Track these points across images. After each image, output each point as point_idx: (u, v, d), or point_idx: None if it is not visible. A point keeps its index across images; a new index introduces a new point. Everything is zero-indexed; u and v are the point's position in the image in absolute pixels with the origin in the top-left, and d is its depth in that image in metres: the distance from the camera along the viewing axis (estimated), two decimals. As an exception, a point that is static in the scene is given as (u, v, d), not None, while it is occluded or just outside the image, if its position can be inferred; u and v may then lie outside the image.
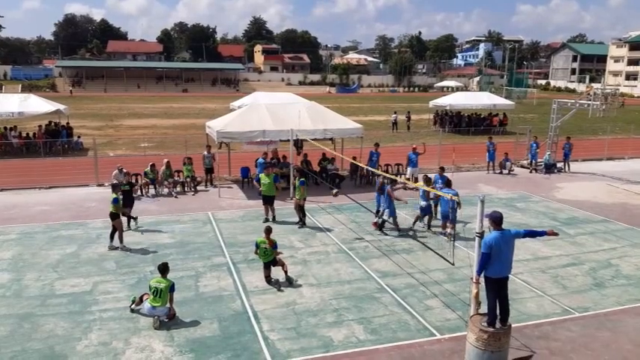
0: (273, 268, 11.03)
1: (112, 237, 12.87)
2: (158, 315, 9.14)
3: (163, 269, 9.48)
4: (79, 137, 29.56)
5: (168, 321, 9.20)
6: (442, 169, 16.33)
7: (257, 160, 19.03)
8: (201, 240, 13.68)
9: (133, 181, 18.48)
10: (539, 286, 10.96)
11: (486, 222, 7.90)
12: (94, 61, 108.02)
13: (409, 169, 20.07)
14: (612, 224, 15.55)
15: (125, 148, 29.35)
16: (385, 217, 14.25)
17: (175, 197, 18.24)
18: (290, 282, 10.91)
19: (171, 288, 9.32)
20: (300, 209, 14.93)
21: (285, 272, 10.97)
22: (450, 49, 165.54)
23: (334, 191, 17.25)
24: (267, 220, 15.12)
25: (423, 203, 14.33)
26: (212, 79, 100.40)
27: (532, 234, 8.20)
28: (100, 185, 19.38)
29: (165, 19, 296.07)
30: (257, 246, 10.98)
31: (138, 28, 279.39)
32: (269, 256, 10.88)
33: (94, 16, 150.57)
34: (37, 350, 8.33)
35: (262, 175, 15.44)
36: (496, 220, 7.81)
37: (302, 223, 14.88)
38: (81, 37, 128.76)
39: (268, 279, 10.94)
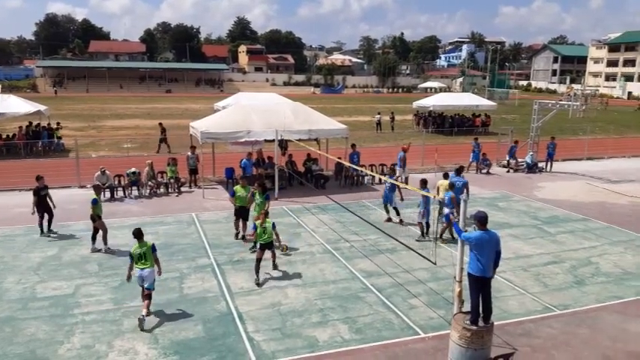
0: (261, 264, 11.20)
1: (93, 239, 12.74)
2: (147, 278, 9.41)
3: (138, 234, 9.68)
4: (59, 138, 29.15)
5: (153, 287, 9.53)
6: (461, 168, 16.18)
7: (241, 160, 18.98)
8: (185, 241, 13.61)
9: (115, 182, 18.39)
10: (521, 284, 11.12)
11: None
12: (75, 61, 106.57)
13: (398, 169, 20.17)
14: (592, 223, 15.83)
15: (108, 149, 29.04)
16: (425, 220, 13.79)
17: (155, 193, 18.29)
18: (275, 267, 11.60)
19: (153, 248, 9.65)
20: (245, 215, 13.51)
21: (274, 261, 11.61)
22: (433, 51, 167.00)
23: None
24: (237, 235, 13.76)
25: (447, 210, 13.46)
26: (196, 80, 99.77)
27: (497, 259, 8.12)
28: (82, 187, 19.15)
29: (148, 19, 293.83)
30: (255, 227, 11.39)
31: (121, 28, 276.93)
32: (268, 237, 11.19)
33: (76, 16, 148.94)
34: (19, 354, 8.22)
35: (237, 188, 13.78)
36: (481, 219, 7.93)
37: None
38: (62, 36, 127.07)
39: (259, 263, 11.05)
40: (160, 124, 28.88)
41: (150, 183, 18.53)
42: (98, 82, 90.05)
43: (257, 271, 11.03)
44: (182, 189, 19.17)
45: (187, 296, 10.39)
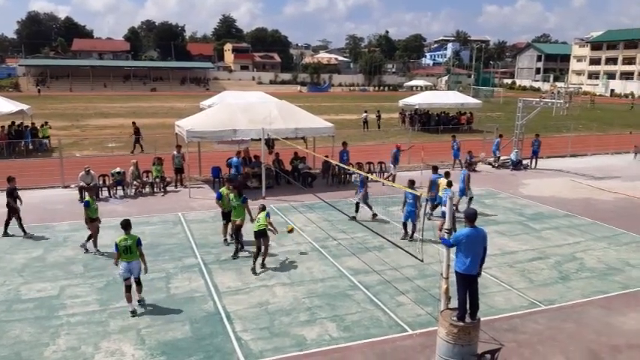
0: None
1: (89, 238, 12.59)
2: (134, 269, 9.56)
3: (126, 225, 9.78)
4: (47, 138, 28.75)
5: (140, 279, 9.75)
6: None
7: (229, 159, 18.90)
8: (171, 241, 13.51)
9: (100, 182, 18.19)
10: (507, 281, 11.23)
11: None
12: (58, 59, 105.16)
13: (391, 166, 20.35)
14: (576, 219, 16.04)
15: (92, 148, 28.71)
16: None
17: (140, 192, 18.28)
18: (263, 266, 11.70)
19: (138, 242, 9.67)
20: (237, 231, 12.65)
21: (265, 256, 11.75)
22: (418, 49, 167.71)
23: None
24: (226, 241, 13.37)
25: (444, 208, 13.82)
26: (181, 78, 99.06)
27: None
28: (66, 187, 18.92)
29: (133, 17, 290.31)
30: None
31: (104, 26, 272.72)
32: (260, 225, 11.46)
33: (59, 14, 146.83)
34: (4, 357, 8.10)
35: (224, 190, 13.24)
36: (470, 217, 8.00)
37: (237, 250, 12.53)
38: (45, 35, 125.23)
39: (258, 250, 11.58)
40: (134, 123, 28.55)
41: (135, 182, 18.37)
42: (82, 80, 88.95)
43: (255, 259, 11.55)
44: (168, 188, 19.03)
45: (174, 296, 10.32)
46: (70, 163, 21.06)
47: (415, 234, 13.55)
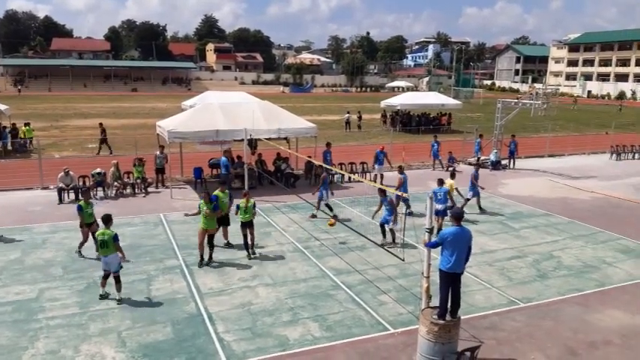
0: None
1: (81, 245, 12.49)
2: (111, 264, 9.88)
3: (107, 219, 10.06)
4: (30, 139, 28.25)
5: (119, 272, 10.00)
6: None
7: (211, 160, 18.83)
8: (152, 242, 13.42)
9: (80, 183, 17.97)
10: (486, 279, 11.40)
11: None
12: (37, 59, 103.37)
13: (377, 167, 20.48)
14: (554, 218, 16.34)
15: (72, 149, 28.33)
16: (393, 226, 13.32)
17: (121, 193, 18.19)
18: (254, 253, 12.44)
19: (115, 238, 9.90)
20: (210, 241, 11.95)
21: (252, 242, 12.46)
22: (400, 50, 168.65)
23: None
24: (228, 244, 13.15)
25: (441, 206, 13.77)
26: (163, 78, 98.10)
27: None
28: (44, 188, 18.64)
29: (114, 16, 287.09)
30: (237, 207, 12.35)
31: (85, 26, 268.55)
32: (249, 216, 12.16)
33: (38, 13, 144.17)
34: (-20, 361, 7.98)
35: (218, 193, 12.64)
36: (456, 216, 8.13)
37: (206, 260, 11.94)
38: (23, 34, 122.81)
39: (245, 238, 12.40)
40: (101, 124, 28.11)
41: (116, 184, 18.18)
42: (61, 80, 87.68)
43: (247, 247, 12.38)
44: (149, 189, 18.87)
45: (155, 298, 10.25)
46: (49, 164, 20.76)
47: (395, 237, 13.42)
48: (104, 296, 10.07)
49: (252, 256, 12.34)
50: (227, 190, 13.15)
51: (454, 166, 23.82)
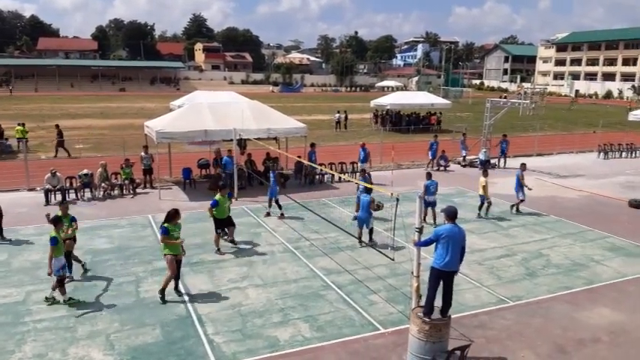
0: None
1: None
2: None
3: (54, 221, 10.11)
4: (6, 139, 27.90)
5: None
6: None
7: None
8: (141, 244, 13.30)
9: (67, 184, 17.79)
10: (476, 278, 11.44)
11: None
12: (23, 59, 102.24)
13: (360, 164, 20.59)
14: (542, 216, 16.45)
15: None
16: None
17: (108, 195, 18.05)
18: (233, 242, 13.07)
19: (51, 240, 9.62)
20: (178, 269, 10.36)
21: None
22: (389, 50, 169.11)
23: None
24: (219, 250, 12.81)
25: (432, 198, 14.86)
26: (151, 78, 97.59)
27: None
28: (31, 190, 18.42)
29: (101, 15, 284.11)
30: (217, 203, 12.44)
31: (72, 25, 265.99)
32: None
33: (24, 12, 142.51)
34: (-36, 366, 7.85)
35: (220, 198, 12.56)
36: (450, 214, 8.13)
37: (163, 298, 10.07)
38: (9, 33, 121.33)
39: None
40: (57, 125, 27.85)
41: (103, 185, 18.02)
42: (48, 80, 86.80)
43: (229, 238, 13.18)
44: (137, 190, 18.72)
45: (144, 300, 10.16)
46: (36, 165, 20.53)
47: (372, 236, 13.47)
48: (50, 300, 9.88)
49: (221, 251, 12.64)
50: (227, 195, 13.08)
51: (447, 165, 23.96)
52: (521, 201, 16.58)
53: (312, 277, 11.35)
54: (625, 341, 8.93)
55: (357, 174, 20.27)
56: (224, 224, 12.90)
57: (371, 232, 13.45)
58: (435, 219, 14.77)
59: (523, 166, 16.98)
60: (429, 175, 15.47)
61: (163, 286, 10.08)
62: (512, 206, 16.74)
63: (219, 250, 12.75)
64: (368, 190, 13.05)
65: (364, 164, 20.89)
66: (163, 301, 9.98)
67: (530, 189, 16.75)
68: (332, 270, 11.73)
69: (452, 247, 7.92)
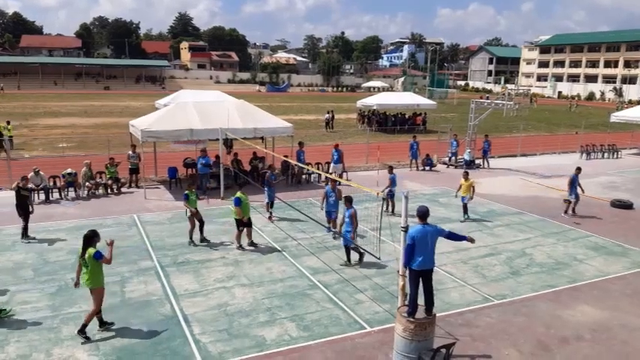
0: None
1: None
2: None
3: None
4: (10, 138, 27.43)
5: None
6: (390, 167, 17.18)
7: (187, 159, 18.64)
8: (126, 244, 13.19)
9: (50, 183, 17.57)
10: (461, 277, 11.55)
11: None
12: (5, 56, 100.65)
13: (332, 166, 20.37)
14: (526, 216, 16.65)
15: (42, 148, 27.68)
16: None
17: (93, 194, 17.89)
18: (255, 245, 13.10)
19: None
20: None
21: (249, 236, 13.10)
22: (375, 50, 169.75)
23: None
24: (252, 243, 13.15)
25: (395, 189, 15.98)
26: (136, 77, 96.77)
27: (454, 237, 8.53)
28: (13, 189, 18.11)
29: (85, 13, 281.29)
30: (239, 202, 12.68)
31: (55, 22, 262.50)
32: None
33: (7, 9, 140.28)
34: (-54, 368, 7.73)
35: (241, 195, 12.88)
36: (420, 214, 8.17)
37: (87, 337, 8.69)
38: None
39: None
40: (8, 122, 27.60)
41: (87, 184, 17.83)
42: (30, 78, 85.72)
43: (200, 230, 13.39)
44: (122, 189, 18.56)
45: (129, 300, 10.09)
46: (19, 164, 20.24)
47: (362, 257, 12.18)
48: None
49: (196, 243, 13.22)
50: (195, 193, 13.61)
51: (434, 165, 24.14)
52: (576, 201, 16.73)
53: (298, 277, 11.37)
54: (607, 338, 9.09)
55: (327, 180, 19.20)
56: (245, 223, 12.97)
57: (361, 256, 12.11)
58: (393, 209, 16.05)
59: (578, 170, 16.98)
60: (390, 169, 16.73)
61: (85, 321, 8.65)
62: (566, 212, 16.70)
63: (240, 246, 12.95)
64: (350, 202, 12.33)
65: (337, 165, 20.18)
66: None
67: (582, 192, 16.83)
68: (318, 269, 11.75)
69: (424, 247, 7.99)
